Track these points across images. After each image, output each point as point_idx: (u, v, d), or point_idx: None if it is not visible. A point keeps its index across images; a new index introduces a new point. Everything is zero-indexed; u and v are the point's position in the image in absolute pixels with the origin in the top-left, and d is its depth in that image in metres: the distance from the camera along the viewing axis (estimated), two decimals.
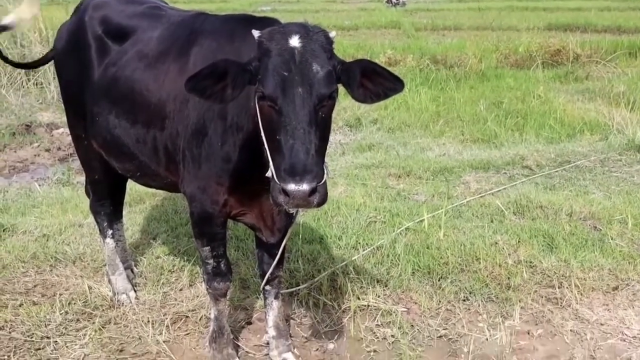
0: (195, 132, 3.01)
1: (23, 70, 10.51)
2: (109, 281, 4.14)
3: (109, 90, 3.44)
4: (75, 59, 3.68)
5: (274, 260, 3.45)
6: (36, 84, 10.51)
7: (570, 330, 3.80)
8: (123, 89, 3.35)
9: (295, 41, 2.47)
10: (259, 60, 2.51)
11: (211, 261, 3.28)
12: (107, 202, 4.11)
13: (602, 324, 3.86)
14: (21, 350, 3.57)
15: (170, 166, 3.27)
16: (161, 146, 3.24)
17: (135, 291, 4.16)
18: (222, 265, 3.31)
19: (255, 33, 2.54)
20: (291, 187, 2.33)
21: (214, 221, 3.16)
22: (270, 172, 2.46)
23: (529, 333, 3.80)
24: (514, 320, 3.89)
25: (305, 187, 2.33)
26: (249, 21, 3.09)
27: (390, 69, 9.67)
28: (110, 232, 4.15)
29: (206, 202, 3.10)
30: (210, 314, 3.51)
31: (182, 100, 3.07)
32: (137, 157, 3.40)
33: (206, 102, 2.87)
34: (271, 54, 2.46)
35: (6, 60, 4.49)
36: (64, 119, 8.92)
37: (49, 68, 10.13)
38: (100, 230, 4.18)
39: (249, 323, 3.92)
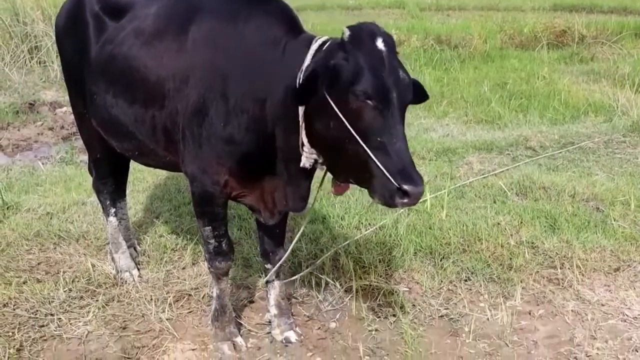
0: (196, 112, 2.98)
1: (26, 48, 10.50)
2: (112, 259, 4.16)
3: (106, 68, 3.39)
4: (74, 37, 3.65)
5: (275, 240, 3.48)
6: (39, 63, 10.49)
7: (572, 310, 3.82)
8: (120, 67, 3.30)
9: (381, 44, 2.51)
10: (346, 59, 2.50)
11: (213, 241, 3.28)
12: (109, 181, 4.11)
13: (603, 305, 3.87)
14: (25, 327, 3.60)
15: (169, 145, 3.24)
16: (160, 125, 3.20)
17: (138, 269, 4.18)
18: (224, 244, 3.32)
19: (346, 32, 2.53)
20: (411, 188, 2.41)
21: (215, 201, 3.16)
22: (375, 169, 2.47)
23: (530, 313, 3.81)
24: (515, 301, 3.90)
25: (421, 187, 2.45)
26: (251, 1, 3.08)
27: None
28: (112, 210, 4.15)
29: (207, 182, 3.09)
30: (212, 292, 3.52)
31: (181, 78, 3.03)
32: (136, 136, 3.36)
33: (207, 82, 2.90)
34: (364, 53, 2.48)
35: None
36: (67, 97, 8.95)
37: (52, 47, 10.11)
38: (102, 208, 4.19)
39: (252, 301, 3.94)
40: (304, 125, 2.69)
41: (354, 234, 4.57)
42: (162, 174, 5.75)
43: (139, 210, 5.13)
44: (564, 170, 6.02)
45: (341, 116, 2.49)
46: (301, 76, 2.63)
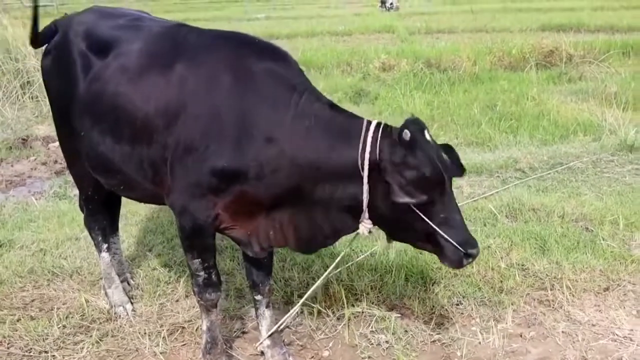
0: (190, 148, 3.02)
1: (19, 84, 10.57)
2: (106, 294, 4.18)
3: (92, 106, 3.41)
4: (62, 75, 3.67)
5: (262, 271, 3.54)
6: (32, 98, 10.55)
7: (562, 331, 3.85)
8: (106, 104, 3.33)
9: (429, 136, 2.94)
10: (407, 154, 2.85)
11: (202, 273, 3.31)
12: (100, 217, 4.14)
13: (593, 325, 3.91)
14: None
15: (156, 178, 3.27)
16: (147, 160, 3.23)
17: (132, 303, 4.19)
18: (213, 275, 3.35)
19: (407, 133, 2.83)
20: (474, 252, 3.02)
21: (204, 233, 3.19)
22: (442, 240, 2.98)
23: (521, 335, 3.84)
24: (506, 323, 3.94)
25: (479, 248, 3.07)
26: (238, 42, 3.26)
27: (384, 74, 9.70)
28: (105, 246, 4.17)
29: (198, 215, 3.12)
30: (202, 325, 3.54)
31: (169, 115, 3.08)
32: (123, 172, 3.39)
33: (203, 120, 3.00)
34: (421, 149, 2.85)
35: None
36: None
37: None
38: (95, 244, 4.22)
39: (245, 332, 3.96)
40: (367, 201, 2.99)
41: (346, 261, 4.60)
42: (155, 207, 5.79)
43: (132, 244, 5.16)
44: (553, 191, 6.07)
45: (408, 201, 2.88)
46: (366, 157, 2.92)
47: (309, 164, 2.98)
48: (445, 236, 2.96)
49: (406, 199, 2.88)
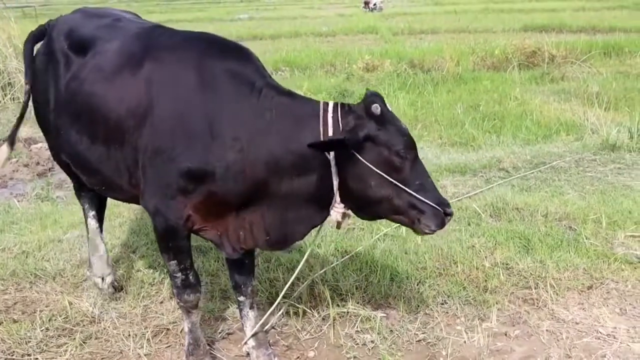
0: (158, 150, 3.03)
1: (0, 85, 10.47)
2: (89, 263, 4.18)
3: (70, 105, 3.42)
4: (46, 75, 3.65)
5: (244, 272, 3.53)
6: (13, 99, 10.47)
7: (547, 330, 3.87)
8: (82, 104, 3.34)
9: (390, 107, 3.04)
10: (379, 129, 2.94)
11: (179, 274, 3.31)
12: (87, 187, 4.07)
13: (577, 323, 3.93)
14: None
15: (131, 180, 3.27)
16: (122, 161, 3.24)
17: (113, 275, 4.21)
18: (191, 276, 3.34)
19: (376, 109, 2.92)
20: (451, 210, 3.07)
21: (178, 235, 3.19)
22: (423, 205, 3.01)
23: (506, 334, 3.86)
24: (491, 322, 3.95)
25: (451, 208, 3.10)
26: (203, 42, 3.27)
27: (367, 74, 9.74)
28: (92, 213, 4.17)
29: (170, 216, 3.13)
30: (184, 327, 3.53)
31: (140, 115, 3.08)
32: (101, 172, 3.39)
33: (170, 122, 2.99)
34: (388, 120, 2.96)
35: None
36: (42, 133, 8.94)
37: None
38: (83, 210, 4.22)
39: (230, 333, 3.94)
40: (337, 184, 3.01)
41: (331, 261, 4.60)
42: (138, 208, 5.74)
43: (116, 245, 5.13)
44: (537, 190, 6.11)
45: (386, 176, 2.95)
46: (329, 138, 2.95)
47: (274, 157, 2.99)
48: (426, 200, 2.99)
49: (384, 172, 2.93)
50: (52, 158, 8.11)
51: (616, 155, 7.22)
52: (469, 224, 5.28)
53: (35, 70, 3.83)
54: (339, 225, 3.21)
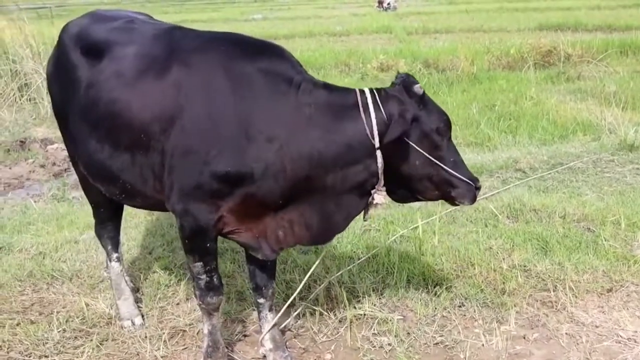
0: (189, 151, 2.99)
1: (16, 86, 10.55)
2: (116, 306, 4.08)
3: (88, 113, 3.33)
4: (60, 81, 3.61)
5: (266, 274, 3.50)
6: (29, 100, 10.53)
7: (566, 333, 3.82)
8: (102, 111, 3.25)
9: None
10: (421, 110, 3.03)
11: (204, 276, 3.27)
12: (110, 226, 4.04)
13: (597, 326, 3.88)
14: None
15: (156, 185, 3.22)
16: (147, 167, 3.18)
17: (142, 317, 4.07)
18: (215, 279, 3.30)
19: (419, 89, 3.01)
20: (479, 184, 3.24)
21: (207, 236, 3.15)
22: (457, 182, 3.16)
23: (524, 337, 3.82)
24: (509, 325, 3.91)
25: None
26: (231, 43, 3.23)
27: (382, 74, 9.71)
28: (115, 255, 4.06)
29: (200, 217, 3.08)
30: (203, 329, 3.50)
31: (166, 120, 3.03)
32: (123, 180, 3.31)
33: (203, 123, 2.96)
34: (427, 100, 3.08)
35: None
36: (58, 134, 8.91)
37: (42, 83, 10.16)
38: (106, 253, 4.11)
39: (246, 335, 3.93)
40: (382, 169, 3.06)
41: (347, 263, 4.58)
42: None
43: (132, 246, 5.13)
44: (554, 191, 6.06)
45: (428, 155, 3.07)
46: (374, 125, 2.99)
47: (317, 152, 2.98)
48: (460, 177, 3.14)
49: (426, 151, 3.05)
50: (68, 159, 8.22)
51: (634, 155, 7.14)
52: (486, 226, 5.23)
53: (48, 77, 3.81)
54: (366, 215, 3.28)
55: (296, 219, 3.15)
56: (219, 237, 3.28)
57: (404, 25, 20.60)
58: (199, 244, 3.18)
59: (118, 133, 3.22)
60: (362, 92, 3.06)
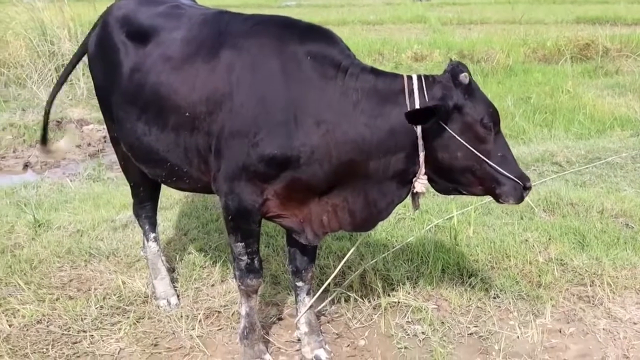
0: (236, 133, 3.00)
1: (53, 67, 10.67)
2: (152, 285, 4.13)
3: (135, 96, 3.36)
4: (103, 63, 3.63)
5: (307, 257, 3.50)
6: (66, 81, 10.62)
7: (603, 329, 3.78)
8: (149, 94, 3.28)
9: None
10: (466, 99, 2.92)
11: (245, 257, 3.29)
12: (148, 205, 4.09)
13: (635, 323, 3.84)
14: (59, 344, 3.65)
15: (201, 166, 3.25)
16: (193, 148, 3.21)
17: (177, 297, 4.12)
18: (256, 261, 3.32)
19: (465, 78, 2.90)
20: (530, 184, 3.08)
21: (251, 217, 3.16)
22: (503, 179, 3.02)
23: (560, 331, 3.79)
24: (545, 319, 3.88)
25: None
26: (280, 26, 3.21)
27: (416, 64, 9.67)
28: (152, 235, 4.12)
29: (245, 198, 3.09)
30: (241, 310, 3.53)
31: (215, 102, 3.05)
32: (169, 161, 3.34)
33: (253, 108, 2.97)
34: (474, 90, 2.96)
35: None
36: (94, 114, 9.13)
37: (79, 65, 10.24)
38: (143, 232, 4.17)
39: (280, 319, 3.95)
40: (423, 156, 3.00)
41: (381, 251, 4.57)
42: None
43: (167, 227, 5.18)
44: (592, 185, 5.98)
45: (470, 147, 2.95)
46: (422, 107, 2.92)
47: (361, 136, 2.97)
48: (507, 174, 3.00)
49: (468, 142, 2.94)
50: (103, 140, 8.31)
51: None
52: (522, 218, 5.19)
53: (91, 59, 3.82)
54: (416, 205, 3.23)
55: (340, 204, 3.14)
56: None
57: (439, 15, 20.37)
58: (242, 224, 3.20)
59: (165, 116, 3.24)
60: (409, 78, 3.02)
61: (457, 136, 2.94)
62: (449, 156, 3.00)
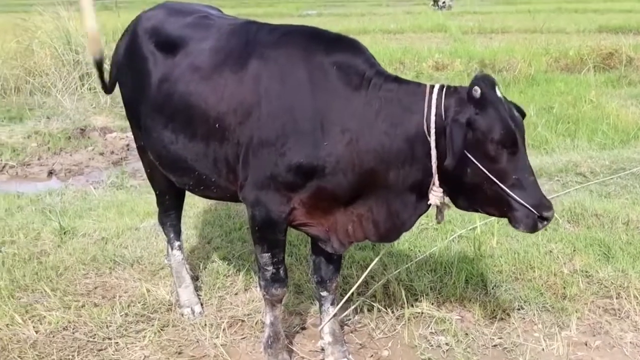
0: (264, 143, 3.02)
1: (77, 75, 10.80)
2: (176, 294, 4.16)
3: (163, 105, 3.40)
4: (132, 73, 3.67)
5: (332, 267, 3.51)
6: (90, 89, 10.78)
7: (630, 342, 3.74)
8: (178, 104, 3.32)
9: (499, 93, 2.85)
10: (478, 114, 2.80)
11: (270, 267, 3.30)
12: (173, 214, 4.13)
13: None
14: (84, 351, 3.68)
15: (229, 175, 3.27)
16: (221, 157, 3.23)
17: (202, 305, 4.14)
18: (281, 271, 3.34)
19: (476, 92, 2.79)
20: (549, 214, 2.89)
21: (277, 227, 3.19)
22: (515, 203, 2.87)
23: (586, 344, 3.75)
24: (570, 331, 3.84)
25: (553, 210, 2.94)
26: (307, 36, 3.24)
27: (437, 73, 9.67)
28: (177, 244, 4.15)
29: (272, 208, 3.12)
30: (265, 319, 3.54)
31: (243, 112, 3.08)
32: (196, 170, 3.37)
33: (278, 117, 2.99)
34: (491, 105, 2.80)
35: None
36: (117, 123, 9.23)
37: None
38: (167, 241, 4.20)
39: (304, 328, 3.96)
40: (436, 167, 2.91)
41: (405, 261, 4.56)
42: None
43: (191, 236, 5.21)
44: (617, 196, 5.93)
45: (478, 164, 2.83)
46: (432, 121, 2.87)
47: (382, 145, 2.96)
48: (518, 199, 2.85)
49: (477, 160, 2.82)
50: (126, 148, 8.38)
51: None
52: (546, 229, 5.11)
53: (118, 68, 3.87)
54: (439, 217, 3.18)
55: (365, 215, 3.15)
56: None
57: (459, 24, 20.35)
58: (268, 234, 3.22)
59: (193, 125, 3.27)
60: (431, 87, 3.00)
61: (466, 152, 2.83)
62: (459, 171, 2.89)
